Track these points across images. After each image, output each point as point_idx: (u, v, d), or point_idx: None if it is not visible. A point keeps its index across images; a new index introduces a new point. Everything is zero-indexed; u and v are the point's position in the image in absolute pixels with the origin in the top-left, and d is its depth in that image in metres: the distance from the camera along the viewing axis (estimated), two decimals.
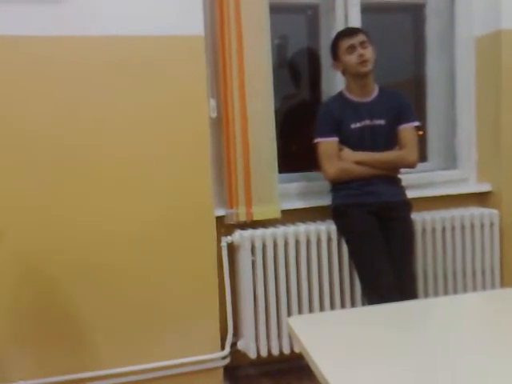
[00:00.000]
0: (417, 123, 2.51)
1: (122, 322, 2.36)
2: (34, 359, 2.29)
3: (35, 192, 2.24)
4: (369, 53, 2.42)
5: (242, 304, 2.53)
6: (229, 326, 2.55)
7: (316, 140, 2.48)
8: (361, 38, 2.42)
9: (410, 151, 2.48)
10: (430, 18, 3.01)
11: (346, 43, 2.43)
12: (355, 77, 2.47)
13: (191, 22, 2.35)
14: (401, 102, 2.53)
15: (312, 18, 2.90)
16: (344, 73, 2.53)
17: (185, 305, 2.42)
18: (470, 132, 2.95)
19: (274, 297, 2.50)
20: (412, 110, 2.55)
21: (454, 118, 2.99)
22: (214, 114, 2.49)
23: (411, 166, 2.50)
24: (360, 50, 2.40)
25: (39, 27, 2.19)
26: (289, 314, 2.51)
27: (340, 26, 2.74)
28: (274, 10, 2.56)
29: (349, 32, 2.48)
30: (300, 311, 2.52)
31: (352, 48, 2.42)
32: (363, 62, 2.40)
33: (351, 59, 2.42)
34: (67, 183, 2.27)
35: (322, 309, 2.54)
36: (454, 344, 1.08)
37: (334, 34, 2.72)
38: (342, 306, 2.57)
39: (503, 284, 2.76)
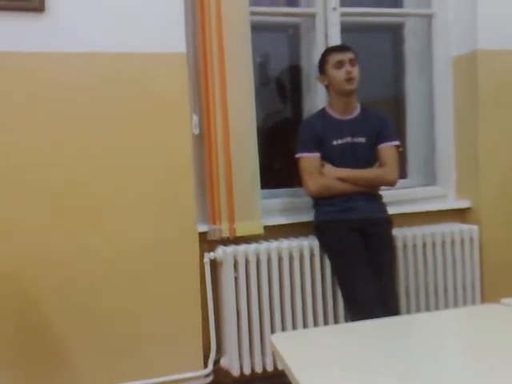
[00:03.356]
0: (397, 142, 2.55)
1: (104, 342, 2.33)
2: (19, 382, 2.24)
3: (18, 215, 2.22)
4: (356, 71, 2.46)
5: (225, 321, 2.52)
6: (211, 343, 2.52)
7: (298, 155, 2.50)
8: (350, 55, 2.46)
9: (390, 170, 2.51)
10: (408, 38, 3.08)
11: (335, 58, 2.46)
12: (339, 93, 2.50)
13: (173, 39, 2.37)
14: (382, 121, 2.57)
15: (293, 36, 2.95)
16: (328, 88, 2.55)
17: (167, 322, 2.40)
18: (448, 149, 3.00)
19: (257, 313, 2.48)
20: (392, 129, 2.59)
21: (432, 136, 3.04)
22: (196, 131, 2.50)
23: (391, 184, 2.54)
24: (348, 67, 2.44)
25: (19, 43, 2.18)
26: (272, 330, 2.50)
27: (320, 45, 2.78)
28: (256, 28, 2.59)
29: (339, 48, 2.52)
30: (283, 327, 2.51)
31: (340, 64, 2.45)
32: (350, 80, 2.44)
33: (338, 75, 2.45)
34: (43, 206, 2.25)
35: (305, 324, 2.53)
36: (436, 360, 1.08)
37: (314, 52, 2.80)
38: (325, 321, 2.57)
39: (484, 299, 2.79)
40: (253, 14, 2.57)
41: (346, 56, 2.45)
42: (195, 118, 2.49)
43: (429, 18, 3.01)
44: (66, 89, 2.25)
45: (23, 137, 2.22)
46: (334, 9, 2.80)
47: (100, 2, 2.27)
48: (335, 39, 2.79)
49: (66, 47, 2.24)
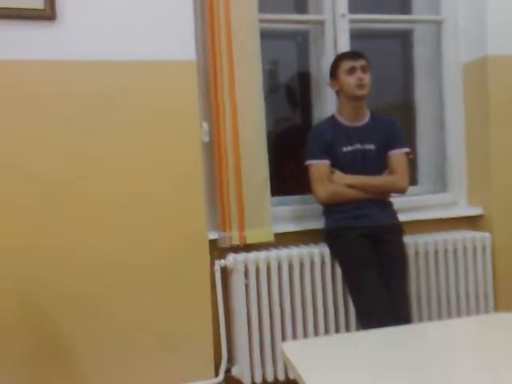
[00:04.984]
0: (407, 149, 2.54)
1: (113, 350, 2.32)
2: None
3: (29, 222, 2.22)
4: (367, 78, 2.46)
5: (236, 329, 2.50)
6: (223, 351, 2.51)
7: (307, 162, 2.49)
8: (362, 62, 2.46)
9: (400, 177, 2.50)
10: (417, 44, 3.08)
11: (347, 64, 2.46)
12: (350, 99, 2.49)
13: (183, 47, 2.38)
14: (392, 128, 2.56)
15: (302, 43, 2.95)
16: (339, 93, 2.55)
17: (178, 330, 2.39)
18: (459, 156, 2.99)
19: (268, 321, 2.47)
20: (403, 136, 2.58)
21: (443, 142, 3.03)
22: (206, 138, 2.50)
23: (402, 191, 2.53)
24: (360, 74, 2.44)
25: (31, 51, 2.20)
26: (283, 338, 2.48)
27: (329, 52, 2.79)
28: (265, 36, 2.59)
29: (352, 54, 2.51)
30: (294, 335, 2.49)
31: (352, 70, 2.45)
32: (361, 86, 2.44)
33: (350, 81, 2.45)
34: (55, 214, 2.25)
35: (316, 332, 2.51)
36: (448, 369, 1.07)
37: (323, 59, 2.79)
38: (337, 329, 2.55)
39: (497, 307, 2.76)
40: (262, 21, 2.57)
41: (359, 63, 2.45)
42: (205, 126, 2.49)
43: (438, 24, 3.01)
44: (77, 96, 2.26)
45: (32, 143, 2.22)
46: (343, 16, 2.80)
47: (110, 10, 2.28)
48: (344, 46, 2.79)
49: (76, 55, 2.25)
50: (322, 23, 2.82)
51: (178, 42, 2.37)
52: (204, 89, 2.52)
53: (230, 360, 2.56)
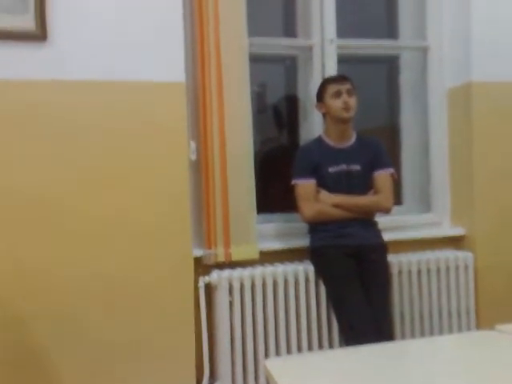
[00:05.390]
0: (392, 170, 2.59)
1: (96, 366, 2.32)
2: None
3: (18, 242, 2.25)
4: (353, 101, 2.52)
5: (219, 345, 2.51)
6: (205, 367, 2.51)
7: (294, 181, 2.54)
8: (348, 85, 2.52)
9: (385, 197, 2.55)
10: (403, 69, 3.15)
11: (333, 88, 2.52)
12: (336, 121, 2.55)
13: (173, 69, 2.43)
14: (377, 149, 2.62)
15: (290, 67, 3.01)
16: (325, 116, 2.61)
17: (160, 346, 2.39)
18: (443, 177, 3.03)
19: (252, 338, 2.48)
20: (387, 156, 2.64)
21: (427, 164, 3.08)
22: (193, 157, 2.55)
23: (386, 211, 2.58)
24: (345, 97, 2.50)
25: (22, 71, 2.24)
26: (266, 355, 2.49)
27: (317, 76, 2.85)
28: (254, 59, 2.65)
29: (338, 78, 2.58)
30: (278, 352, 2.51)
31: (338, 93, 2.51)
32: (347, 109, 2.49)
33: (336, 104, 2.51)
34: (39, 232, 2.27)
35: (299, 350, 2.53)
36: None
37: (311, 82, 2.86)
38: (320, 346, 2.56)
39: (479, 325, 2.78)
40: (251, 45, 2.63)
41: (344, 86, 2.52)
42: (192, 144, 2.55)
43: (424, 50, 3.08)
44: (66, 116, 2.30)
45: (23, 164, 2.25)
46: (331, 41, 2.87)
47: (101, 31, 2.33)
48: (332, 70, 2.86)
49: (66, 75, 2.28)
50: (310, 48, 2.88)
51: (167, 64, 2.42)
52: (192, 108, 2.56)
53: (213, 376, 2.56)
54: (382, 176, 2.58)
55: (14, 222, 2.25)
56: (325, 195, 2.53)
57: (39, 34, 2.21)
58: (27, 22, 2.18)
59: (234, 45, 2.55)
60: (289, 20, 2.99)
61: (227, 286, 2.48)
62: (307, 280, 2.57)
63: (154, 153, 2.41)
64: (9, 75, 2.23)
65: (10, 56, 2.22)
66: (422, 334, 2.69)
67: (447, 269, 2.77)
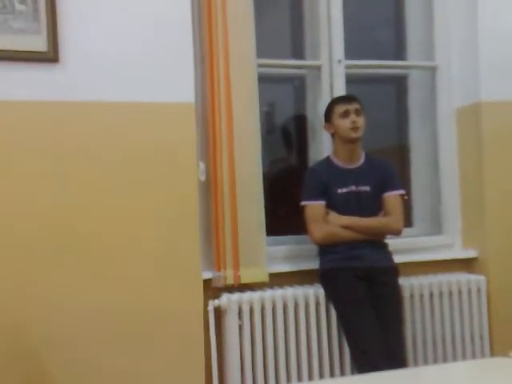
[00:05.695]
0: (402, 191, 2.57)
1: None
2: None
3: (20, 270, 2.21)
4: (361, 121, 2.50)
5: (229, 370, 2.47)
6: None
7: (303, 203, 2.52)
8: (356, 105, 2.51)
9: (395, 219, 2.53)
10: (412, 89, 3.13)
11: (341, 108, 2.51)
12: (344, 141, 2.54)
13: (183, 90, 2.42)
14: (386, 170, 2.60)
15: (299, 87, 3.02)
16: (334, 136, 2.59)
17: (170, 370, 2.35)
18: (454, 199, 3.00)
19: (262, 362, 2.44)
20: (397, 177, 2.62)
21: (438, 185, 3.05)
22: (202, 178, 2.53)
23: (396, 233, 2.55)
24: (353, 117, 2.48)
25: (34, 93, 2.24)
26: (277, 380, 2.45)
27: (325, 96, 2.83)
28: (263, 79, 2.65)
29: (346, 98, 2.58)
30: (288, 377, 2.46)
31: (346, 113, 2.49)
32: (355, 128, 2.48)
33: (344, 124, 2.49)
34: (45, 260, 2.24)
35: (310, 374, 2.48)
36: None
37: (320, 103, 2.85)
38: (331, 371, 2.52)
39: (493, 350, 2.74)
40: (260, 65, 2.63)
41: (352, 106, 2.50)
42: (202, 165, 2.53)
43: (432, 70, 3.07)
44: (77, 137, 2.29)
45: (35, 185, 2.24)
46: (340, 61, 2.86)
47: (110, 52, 2.33)
48: (340, 90, 2.85)
49: (77, 97, 2.29)
50: (318, 68, 2.88)
51: (177, 85, 2.41)
52: (201, 128, 2.56)
53: None
54: (392, 197, 2.56)
55: (17, 247, 2.22)
56: (334, 217, 2.51)
57: (51, 56, 2.22)
58: (39, 44, 2.18)
59: (243, 65, 2.54)
60: (297, 41, 3.00)
61: (237, 310, 2.44)
62: (318, 303, 2.54)
63: (163, 173, 2.40)
64: (21, 96, 2.23)
65: (22, 77, 2.23)
66: (435, 360, 2.64)
67: (459, 292, 2.73)
